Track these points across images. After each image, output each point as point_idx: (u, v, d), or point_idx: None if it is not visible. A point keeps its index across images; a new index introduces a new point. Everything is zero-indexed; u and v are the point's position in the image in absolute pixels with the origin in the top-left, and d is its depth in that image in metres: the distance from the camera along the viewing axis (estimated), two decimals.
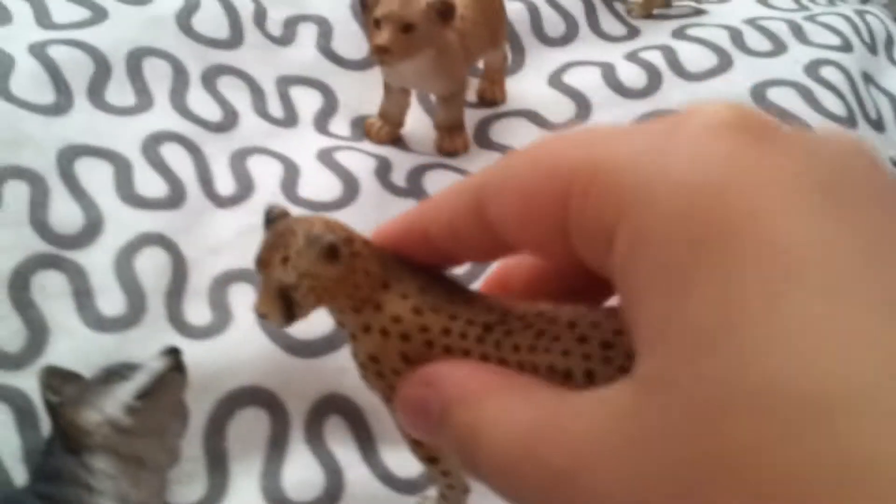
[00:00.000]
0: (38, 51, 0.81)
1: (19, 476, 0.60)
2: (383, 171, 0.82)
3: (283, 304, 0.32)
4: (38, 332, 0.66)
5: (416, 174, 0.83)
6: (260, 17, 0.95)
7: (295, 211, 0.72)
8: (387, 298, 0.32)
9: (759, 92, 0.93)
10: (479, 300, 0.31)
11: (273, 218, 0.33)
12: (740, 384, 0.20)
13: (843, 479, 0.19)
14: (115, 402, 0.58)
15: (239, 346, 0.67)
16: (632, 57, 0.98)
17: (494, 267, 0.34)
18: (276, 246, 0.32)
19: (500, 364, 0.29)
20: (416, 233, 0.31)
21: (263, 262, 0.32)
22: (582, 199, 0.24)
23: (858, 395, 0.19)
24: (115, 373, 0.61)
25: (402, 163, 0.84)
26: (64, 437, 0.57)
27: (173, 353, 0.60)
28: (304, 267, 0.31)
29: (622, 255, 0.23)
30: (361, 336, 0.32)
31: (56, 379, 0.60)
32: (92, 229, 0.71)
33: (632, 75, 0.96)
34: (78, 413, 0.58)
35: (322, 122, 0.89)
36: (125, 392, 0.58)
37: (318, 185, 0.79)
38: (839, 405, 0.19)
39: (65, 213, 0.71)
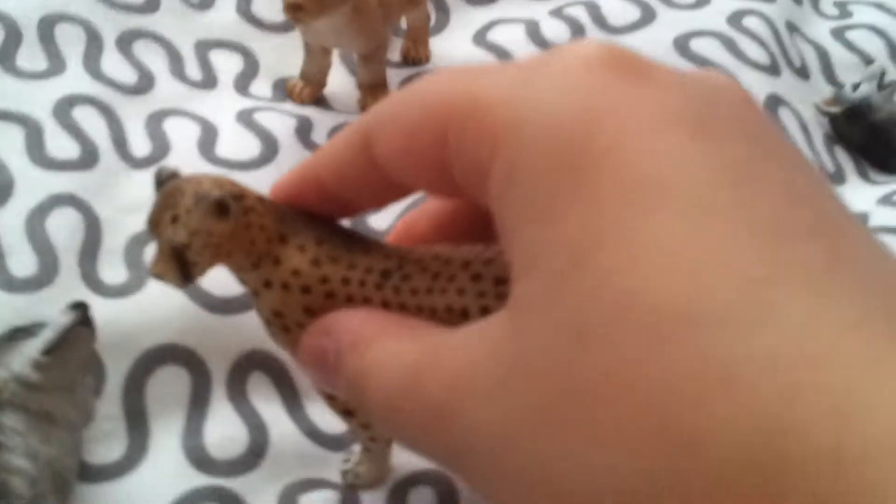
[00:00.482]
0: None
1: None
2: (304, 130, 0.81)
3: (177, 264, 0.31)
4: None
5: (336, 132, 0.82)
6: None
7: (213, 171, 0.72)
8: (285, 252, 0.31)
9: (681, 43, 0.93)
10: (377, 248, 0.31)
11: (163, 179, 0.33)
12: (604, 301, 0.21)
13: (704, 388, 0.19)
14: (22, 357, 0.57)
15: (156, 304, 0.66)
16: (556, 13, 0.98)
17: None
18: (165, 206, 0.32)
19: (400, 309, 0.29)
20: (310, 183, 0.31)
21: (154, 222, 0.32)
22: (459, 135, 0.24)
23: (717, 308, 0.19)
24: (23, 330, 0.60)
25: (323, 122, 0.83)
26: None
27: (80, 307, 0.59)
28: (195, 224, 0.31)
29: (497, 187, 0.23)
30: (263, 292, 0.32)
31: None
32: (2, 192, 0.70)
33: (556, 30, 0.96)
34: None
35: (242, 84, 0.88)
36: (32, 348, 0.57)
37: (237, 144, 0.78)
38: (699, 318, 0.19)
39: None
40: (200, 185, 0.32)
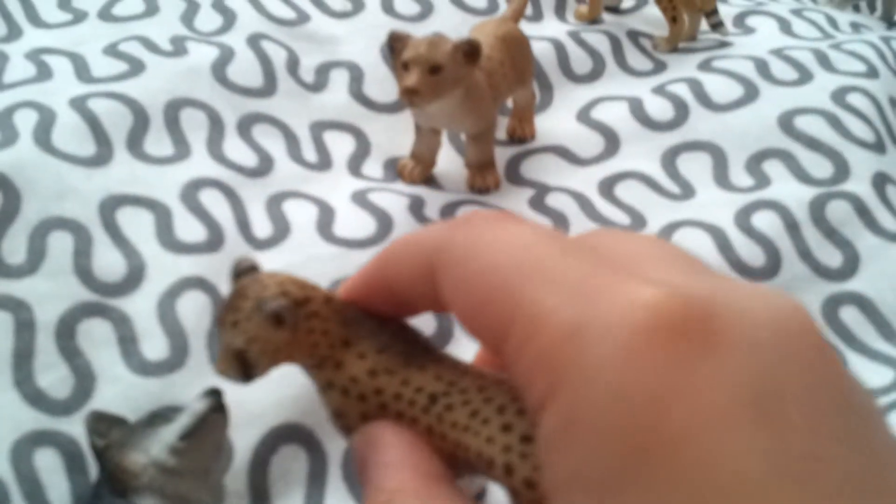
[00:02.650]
0: (78, 104, 0.84)
1: None
2: (417, 208, 0.84)
3: (239, 364, 0.32)
4: (85, 379, 0.67)
5: (450, 210, 0.84)
6: (293, 65, 0.97)
7: (332, 250, 0.74)
8: (346, 357, 0.32)
9: (786, 120, 0.93)
10: (434, 363, 0.32)
11: (240, 272, 0.34)
12: None
13: None
14: (160, 443, 0.59)
15: (279, 384, 0.69)
16: (659, 90, 0.99)
17: None
18: (230, 307, 0.32)
19: (441, 440, 0.30)
20: (378, 284, 0.31)
21: (220, 321, 0.33)
22: (518, 348, 0.24)
23: None
24: (160, 415, 0.62)
25: (434, 200, 0.85)
26: (111, 479, 0.59)
27: (214, 393, 0.62)
28: (252, 331, 0.31)
29: (551, 432, 0.23)
30: (327, 390, 0.33)
31: (102, 423, 0.61)
32: (134, 276, 0.73)
33: (659, 108, 0.97)
34: (124, 456, 0.59)
35: (355, 164, 0.91)
36: (169, 433, 0.60)
37: (354, 224, 0.81)
38: None
39: (108, 262, 0.73)
40: (265, 289, 0.32)
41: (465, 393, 0.30)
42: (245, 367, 0.32)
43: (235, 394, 0.65)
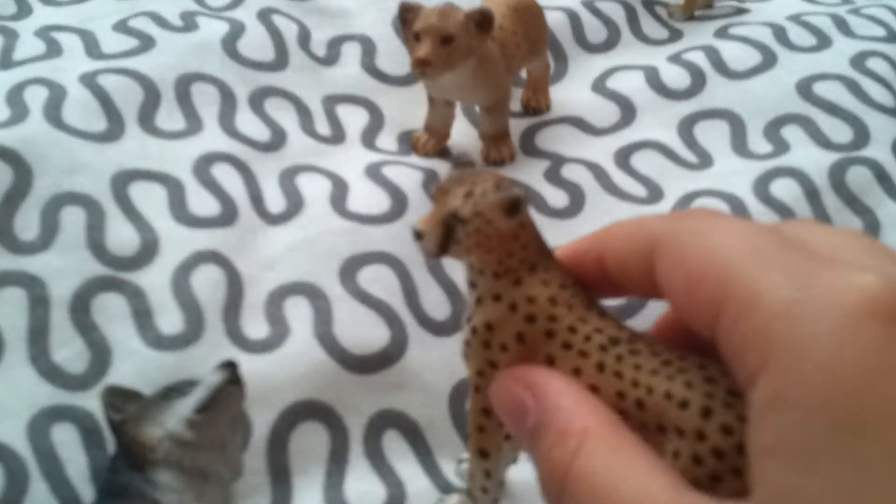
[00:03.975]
0: (88, 80, 0.83)
1: (87, 495, 0.61)
2: (430, 183, 0.83)
3: (443, 232, 0.33)
4: (100, 354, 0.67)
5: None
6: (304, 39, 0.96)
7: (345, 225, 0.73)
8: (529, 279, 0.32)
9: (804, 87, 0.92)
10: (616, 321, 0.32)
11: (461, 164, 0.34)
12: None
13: None
14: (176, 416, 0.59)
15: (297, 360, 0.68)
16: (675, 59, 0.98)
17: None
18: (462, 181, 0.33)
19: (614, 377, 0.30)
20: (592, 256, 0.32)
21: (443, 189, 0.33)
22: (732, 323, 0.25)
23: None
24: (175, 389, 0.62)
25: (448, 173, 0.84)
26: (128, 454, 0.59)
27: (230, 366, 0.61)
28: (482, 207, 0.32)
29: (762, 402, 0.24)
30: (487, 302, 0.33)
31: (117, 398, 0.61)
32: (148, 250, 0.73)
33: (675, 77, 0.96)
34: (140, 429, 0.59)
35: (369, 138, 0.90)
36: (185, 407, 0.59)
37: (367, 199, 0.80)
38: None
39: (121, 236, 0.73)
40: (503, 180, 0.33)
41: (652, 346, 0.30)
42: (446, 238, 0.33)
43: (249, 369, 0.65)
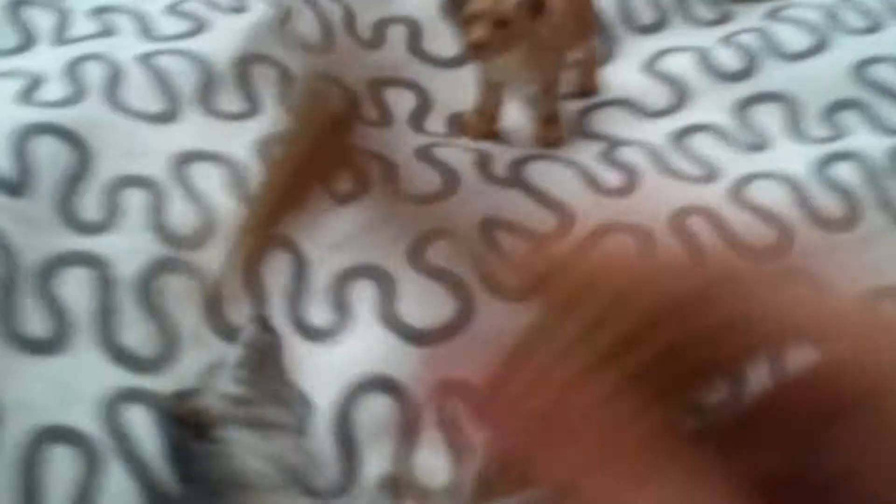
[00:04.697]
0: (145, 60, 0.83)
1: (164, 475, 0.62)
2: (483, 163, 0.82)
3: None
4: (168, 337, 0.67)
5: (517, 165, 0.83)
6: (349, 22, 0.95)
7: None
8: None
9: (858, 69, 0.91)
10: None
11: None
12: None
13: None
14: (222, 378, 0.60)
15: (360, 342, 0.69)
16: (726, 40, 0.97)
17: None
18: None
19: None
20: None
21: None
22: None
23: None
24: (214, 364, 0.63)
25: (501, 156, 0.84)
26: (190, 427, 0.59)
27: (259, 318, 0.62)
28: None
29: None
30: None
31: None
32: (209, 229, 0.73)
33: (727, 58, 0.95)
34: (192, 401, 0.60)
35: (417, 120, 0.89)
36: (227, 368, 0.61)
37: (419, 180, 0.80)
38: None
39: (182, 216, 0.73)
40: None
41: None
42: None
43: (313, 352, 0.65)
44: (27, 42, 0.87)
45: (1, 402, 0.62)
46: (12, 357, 0.64)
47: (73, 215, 0.72)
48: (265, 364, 0.61)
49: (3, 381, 0.63)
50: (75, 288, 0.68)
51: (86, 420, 0.63)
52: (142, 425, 0.63)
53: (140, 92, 0.81)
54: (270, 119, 0.82)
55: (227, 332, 0.68)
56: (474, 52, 0.77)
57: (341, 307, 0.70)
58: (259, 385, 0.60)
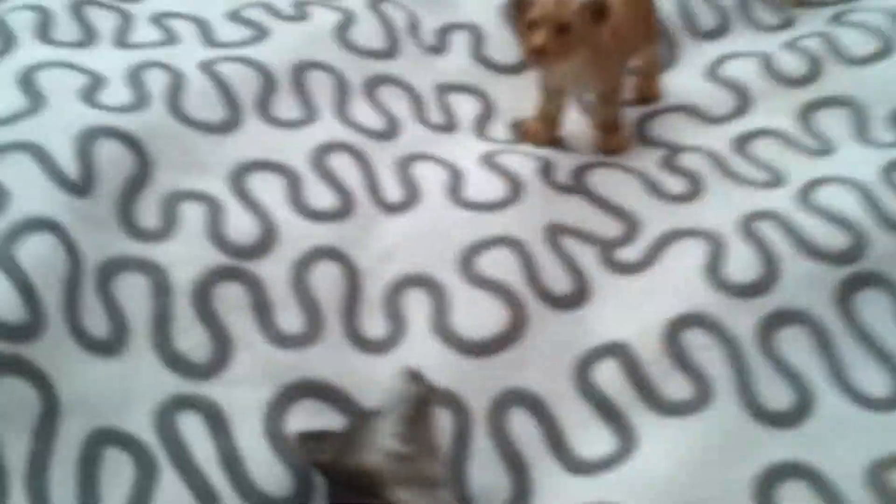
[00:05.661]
0: (207, 68, 0.84)
1: (218, 482, 0.62)
2: (546, 170, 0.82)
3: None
4: (222, 344, 0.68)
5: (581, 172, 0.83)
6: (413, 28, 0.96)
7: (463, 214, 0.74)
8: None
9: None
10: None
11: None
12: None
13: None
14: (385, 436, 0.60)
15: (414, 354, 0.70)
16: (790, 45, 0.96)
17: None
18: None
19: None
20: None
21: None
22: None
23: None
24: (366, 416, 0.64)
25: (563, 163, 0.84)
26: (354, 484, 0.60)
27: (417, 376, 0.63)
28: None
29: None
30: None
31: (310, 441, 0.62)
32: (268, 240, 0.73)
33: (791, 63, 0.94)
34: (358, 458, 0.60)
35: (480, 126, 0.90)
36: (390, 425, 0.61)
37: (484, 187, 0.80)
38: None
39: (241, 226, 0.73)
40: None
41: None
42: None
43: (370, 365, 0.65)
44: (88, 39, 0.89)
45: (60, 399, 0.63)
46: (73, 353, 0.65)
47: (132, 221, 0.72)
48: (425, 419, 0.62)
49: (63, 378, 0.63)
50: (133, 293, 0.69)
51: (141, 425, 0.64)
52: (196, 433, 0.64)
53: (201, 101, 0.81)
54: (326, 125, 0.83)
55: (280, 340, 0.69)
56: (535, 58, 0.77)
57: (395, 317, 0.72)
58: (420, 440, 0.61)
